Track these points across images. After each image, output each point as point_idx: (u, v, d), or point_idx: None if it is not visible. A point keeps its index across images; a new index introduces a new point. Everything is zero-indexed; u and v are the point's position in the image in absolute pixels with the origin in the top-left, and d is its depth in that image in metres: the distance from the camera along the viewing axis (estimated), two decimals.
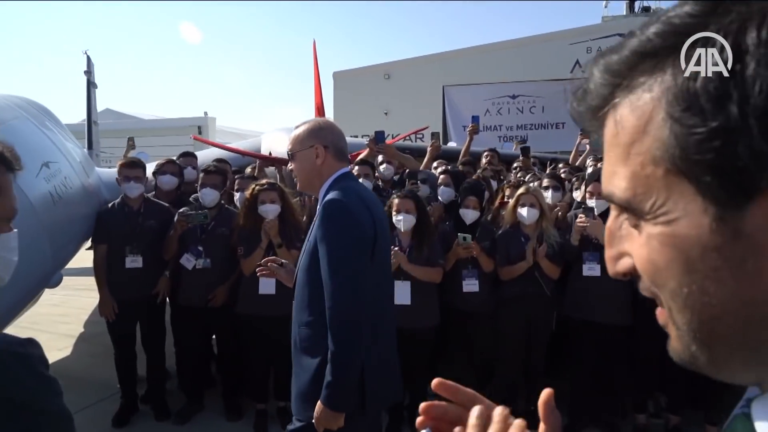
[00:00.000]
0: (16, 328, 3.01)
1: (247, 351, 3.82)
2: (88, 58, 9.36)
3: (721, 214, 0.37)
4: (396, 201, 3.41)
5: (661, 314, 0.44)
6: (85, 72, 9.44)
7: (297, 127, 2.12)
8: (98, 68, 9.17)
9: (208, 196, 3.78)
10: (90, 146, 9.01)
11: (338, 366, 1.86)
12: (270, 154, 5.10)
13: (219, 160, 4.83)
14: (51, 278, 3.18)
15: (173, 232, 3.72)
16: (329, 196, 1.93)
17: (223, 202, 3.97)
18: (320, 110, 4.70)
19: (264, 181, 3.68)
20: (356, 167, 4.09)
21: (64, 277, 3.76)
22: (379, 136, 4.83)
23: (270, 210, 3.46)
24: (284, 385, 3.46)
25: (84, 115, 9.77)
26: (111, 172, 4.67)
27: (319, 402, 1.88)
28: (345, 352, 1.86)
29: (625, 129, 0.41)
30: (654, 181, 0.39)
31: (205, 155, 5.72)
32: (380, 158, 4.69)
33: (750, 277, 0.37)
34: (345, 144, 2.12)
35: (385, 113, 17.68)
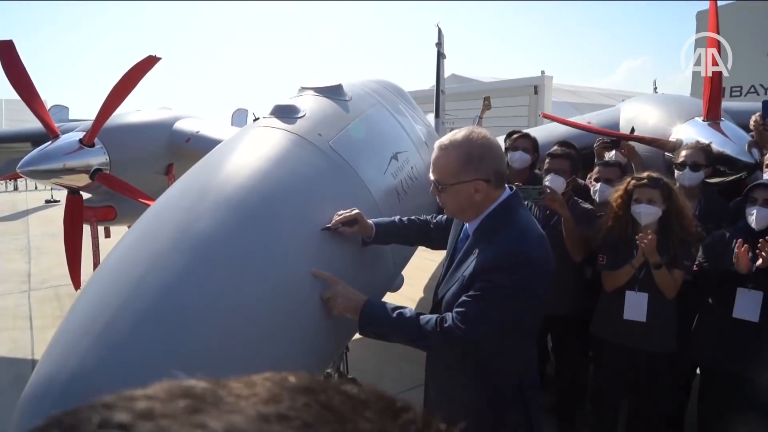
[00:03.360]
0: None
1: (598, 380, 3.14)
2: (439, 30, 10.10)
3: None
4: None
5: None
6: (436, 44, 10.23)
7: (444, 146, 1.70)
8: (447, 39, 9.85)
9: (554, 182, 3.20)
10: (437, 114, 9.85)
11: (415, 334, 1.64)
12: (633, 130, 4.23)
13: (563, 144, 3.81)
14: (393, 282, 2.87)
15: None
16: (510, 246, 1.61)
17: (572, 193, 3.35)
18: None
19: (645, 174, 2.80)
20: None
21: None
22: None
23: (644, 213, 2.71)
24: (636, 425, 2.96)
25: (432, 82, 10.70)
26: None
27: (353, 293, 1.71)
28: (426, 343, 1.67)
29: None
30: None
31: (545, 131, 5.02)
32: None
33: None
34: (505, 164, 1.76)
35: None
